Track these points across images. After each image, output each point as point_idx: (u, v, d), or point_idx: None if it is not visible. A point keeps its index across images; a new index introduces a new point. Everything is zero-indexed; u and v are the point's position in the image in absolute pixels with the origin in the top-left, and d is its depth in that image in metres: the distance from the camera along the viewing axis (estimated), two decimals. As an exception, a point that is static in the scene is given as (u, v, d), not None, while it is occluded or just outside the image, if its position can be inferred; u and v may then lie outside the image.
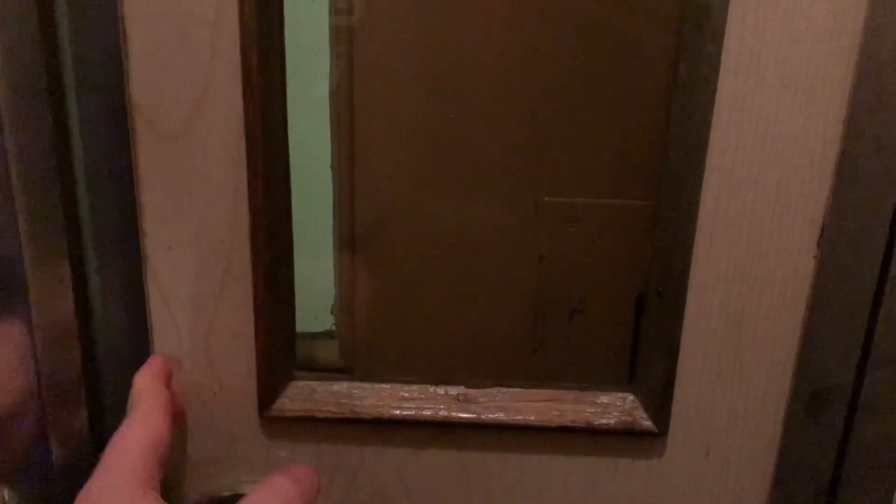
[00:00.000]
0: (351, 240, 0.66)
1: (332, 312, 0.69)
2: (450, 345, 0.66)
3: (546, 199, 0.65)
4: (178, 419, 0.46)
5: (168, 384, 0.45)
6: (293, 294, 0.48)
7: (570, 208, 0.65)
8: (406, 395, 0.48)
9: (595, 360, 0.63)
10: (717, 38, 0.41)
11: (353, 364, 0.71)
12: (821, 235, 0.44)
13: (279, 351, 0.48)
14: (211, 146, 0.44)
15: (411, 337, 0.67)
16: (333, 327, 0.69)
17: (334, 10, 0.58)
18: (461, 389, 0.49)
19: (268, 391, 0.48)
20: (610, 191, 0.62)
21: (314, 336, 0.69)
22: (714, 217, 0.44)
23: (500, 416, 0.48)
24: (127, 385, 0.47)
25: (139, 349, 0.47)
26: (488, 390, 0.49)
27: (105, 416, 0.48)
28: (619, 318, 0.61)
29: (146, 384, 0.43)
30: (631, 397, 0.48)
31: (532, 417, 0.48)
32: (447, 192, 0.64)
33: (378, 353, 0.69)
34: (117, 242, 0.46)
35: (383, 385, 0.49)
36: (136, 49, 0.42)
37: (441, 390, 0.49)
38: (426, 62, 0.60)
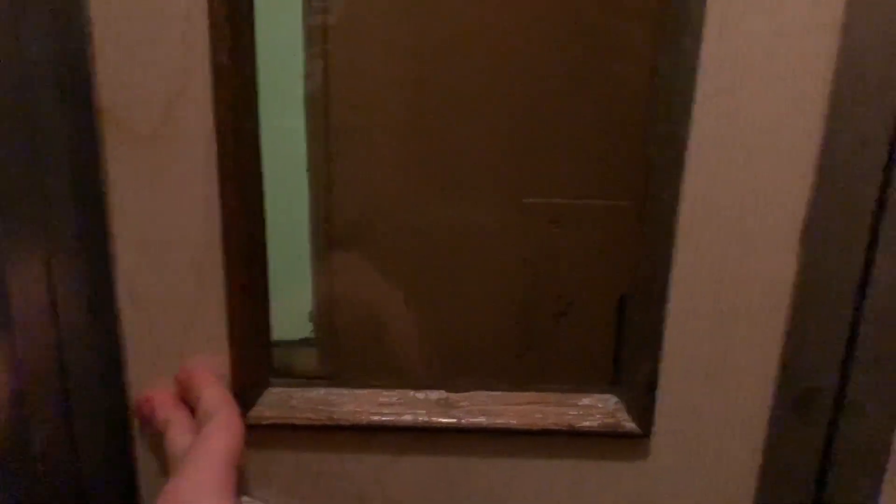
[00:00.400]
0: (328, 245, 0.65)
1: (310, 319, 0.68)
2: (434, 350, 0.65)
3: (528, 200, 0.64)
4: None
5: None
6: (268, 299, 0.47)
7: (553, 209, 0.64)
8: (385, 400, 0.48)
9: (581, 362, 0.62)
10: (696, 33, 0.40)
11: (333, 372, 0.69)
12: (803, 232, 0.43)
13: (255, 357, 0.47)
14: (182, 148, 0.43)
15: (393, 342, 0.66)
16: (312, 335, 0.68)
17: (309, 10, 0.57)
18: (442, 394, 0.48)
19: (244, 398, 0.47)
20: (593, 191, 0.62)
21: (293, 344, 0.68)
22: (695, 214, 0.43)
23: (481, 420, 0.47)
24: (100, 390, 0.46)
25: (111, 355, 0.46)
26: (469, 394, 0.48)
27: (76, 423, 0.47)
28: (605, 319, 0.61)
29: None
30: (614, 399, 0.48)
31: (514, 421, 0.47)
32: (427, 195, 0.63)
33: (358, 360, 0.68)
34: (86, 245, 0.44)
35: (362, 391, 0.48)
36: (103, 51, 0.41)
37: (421, 395, 0.48)
38: (404, 63, 0.59)
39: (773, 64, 0.41)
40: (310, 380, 0.50)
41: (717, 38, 0.40)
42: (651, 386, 0.46)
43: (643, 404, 0.47)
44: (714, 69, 0.41)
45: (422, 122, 0.62)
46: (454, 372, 0.58)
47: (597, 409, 0.47)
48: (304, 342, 0.69)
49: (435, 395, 0.48)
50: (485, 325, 0.66)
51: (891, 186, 0.42)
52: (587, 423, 0.47)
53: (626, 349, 0.48)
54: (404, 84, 0.60)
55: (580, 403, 0.48)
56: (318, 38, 0.57)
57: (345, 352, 0.68)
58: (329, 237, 0.64)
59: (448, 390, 0.48)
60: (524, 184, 0.64)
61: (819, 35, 0.40)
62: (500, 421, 0.47)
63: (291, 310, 0.68)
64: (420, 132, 0.62)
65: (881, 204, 0.43)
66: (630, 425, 0.47)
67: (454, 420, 0.47)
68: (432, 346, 0.64)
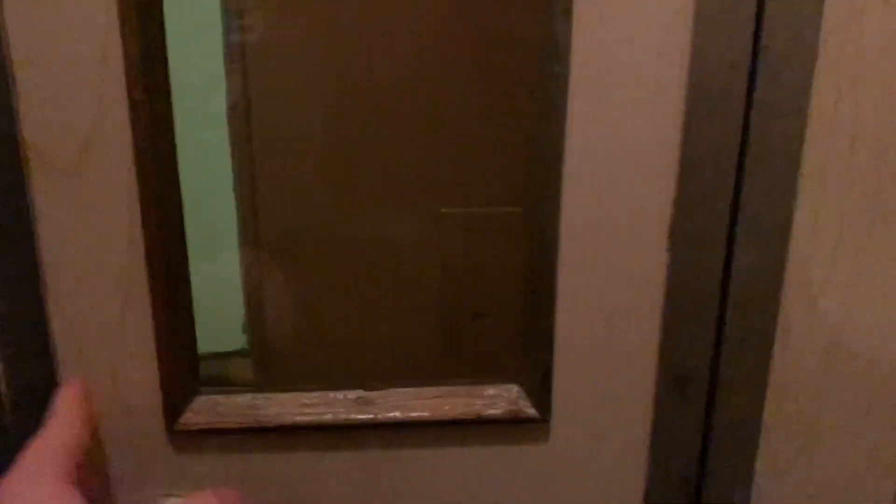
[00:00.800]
0: (257, 258, 0.69)
1: (243, 331, 0.71)
2: (360, 354, 0.69)
3: (444, 210, 0.69)
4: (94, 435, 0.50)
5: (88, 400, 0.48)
6: (192, 314, 0.51)
7: (468, 218, 0.69)
8: (307, 401, 0.52)
9: (499, 359, 0.67)
10: (564, 59, 0.45)
11: (269, 381, 0.73)
12: (670, 232, 0.49)
13: (183, 369, 0.50)
14: (103, 179, 0.46)
15: (323, 350, 0.70)
16: (246, 345, 0.72)
17: (229, 29, 0.61)
18: (359, 392, 0.52)
19: (173, 407, 0.50)
20: (506, 199, 0.67)
21: (227, 355, 0.72)
22: (575, 219, 0.49)
23: (396, 414, 0.52)
24: (35, 412, 0.49)
25: (45, 377, 0.49)
26: (384, 391, 0.52)
27: (12, 441, 0.50)
28: (520, 319, 0.66)
29: (66, 396, 0.47)
30: (516, 388, 0.52)
31: (426, 413, 0.52)
32: (349, 208, 0.67)
33: (292, 368, 0.72)
34: (17, 272, 0.47)
35: (285, 394, 0.52)
36: (26, 91, 0.45)
37: (340, 395, 0.52)
38: (322, 81, 0.63)
39: (633, 85, 0.46)
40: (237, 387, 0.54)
41: (583, 63, 0.46)
42: (547, 375, 0.51)
43: (541, 392, 0.52)
44: (583, 91, 0.46)
45: (341, 137, 0.66)
46: (381, 374, 0.62)
47: (501, 398, 0.52)
48: (239, 353, 0.73)
49: (353, 394, 0.52)
50: (410, 330, 0.70)
51: (743, 189, 0.48)
52: (492, 412, 0.52)
53: (524, 342, 0.53)
54: (323, 100, 0.64)
55: (486, 394, 0.52)
56: (238, 55, 0.61)
57: (278, 361, 0.72)
58: (257, 250, 0.68)
59: (365, 389, 0.52)
60: (440, 194, 0.68)
61: (671, 58, 0.46)
62: (413, 414, 0.52)
63: (225, 322, 0.71)
64: (340, 147, 0.66)
65: (735, 205, 0.48)
66: (531, 411, 0.52)
67: (371, 416, 0.51)
68: (358, 350, 0.69)
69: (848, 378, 0.54)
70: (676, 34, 0.46)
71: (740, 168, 0.48)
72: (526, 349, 0.52)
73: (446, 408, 0.52)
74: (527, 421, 0.52)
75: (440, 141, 0.66)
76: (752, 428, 0.53)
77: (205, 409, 0.51)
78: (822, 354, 0.53)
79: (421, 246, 0.69)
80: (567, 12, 0.44)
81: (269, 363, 0.72)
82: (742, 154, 0.48)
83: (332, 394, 0.52)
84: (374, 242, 0.68)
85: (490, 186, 0.68)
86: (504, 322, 0.68)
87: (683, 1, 0.45)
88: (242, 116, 0.64)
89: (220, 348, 0.71)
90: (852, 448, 0.55)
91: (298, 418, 0.51)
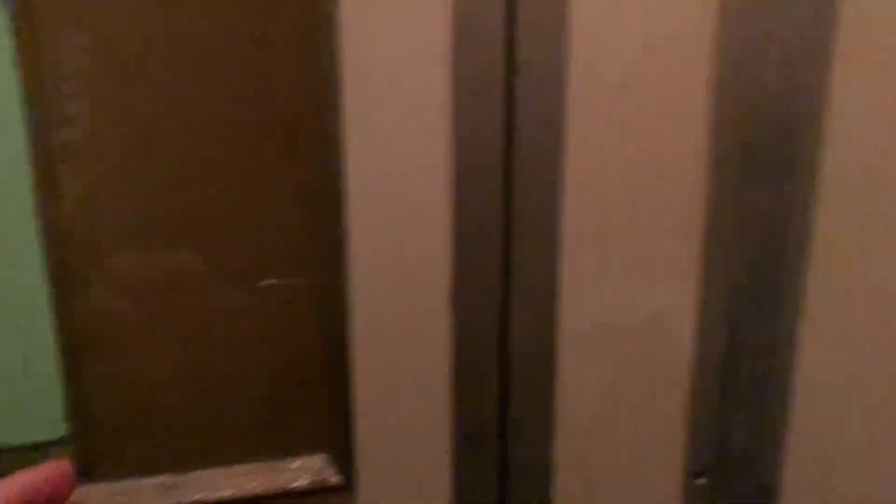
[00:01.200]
0: (74, 345, 0.68)
1: (64, 419, 0.70)
2: (184, 434, 0.69)
3: (262, 282, 0.71)
4: None
5: None
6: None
7: (284, 290, 0.71)
8: (107, 490, 0.52)
9: (312, 430, 0.69)
10: (339, 156, 0.49)
11: (92, 467, 0.72)
12: (451, 298, 0.53)
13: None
14: None
15: (147, 430, 0.70)
16: (67, 433, 0.70)
17: (35, 132, 0.61)
18: (165, 477, 0.53)
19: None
20: (319, 269, 0.69)
21: (49, 445, 0.70)
22: (364, 291, 0.52)
23: (201, 496, 0.53)
24: None
25: None
26: (191, 474, 0.54)
27: None
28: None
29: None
30: (322, 458, 0.55)
31: (231, 492, 0.53)
32: (165, 288, 0.68)
33: (116, 453, 0.71)
34: None
35: (90, 485, 0.52)
36: None
37: (146, 481, 0.53)
38: (134, 163, 0.64)
39: (405, 172, 0.51)
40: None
41: (358, 160, 0.50)
42: (348, 443, 0.54)
43: (345, 460, 0.54)
44: (359, 181, 0.50)
45: (157, 220, 0.67)
46: (209, 452, 0.63)
47: (307, 469, 0.55)
48: (60, 442, 0.71)
49: (157, 480, 0.53)
50: (237, 403, 0.71)
51: (512, 255, 0.53)
52: (298, 484, 0.54)
53: (329, 413, 0.55)
54: (136, 183, 0.65)
55: (292, 467, 0.54)
56: (42, 159, 0.61)
57: (102, 446, 0.71)
58: (73, 335, 0.68)
59: (171, 473, 0.53)
60: (256, 269, 0.71)
61: (434, 144, 0.51)
62: (218, 495, 0.53)
63: (45, 411, 0.70)
64: (156, 230, 0.67)
65: (507, 271, 0.53)
66: (335, 479, 0.54)
67: (175, 501, 0.52)
68: (180, 430, 0.69)
69: (624, 419, 0.59)
70: (437, 119, 0.50)
71: (507, 237, 0.53)
72: (330, 418, 0.55)
73: (252, 485, 0.53)
74: (332, 489, 0.54)
75: (255, 218, 0.69)
76: (544, 471, 0.58)
77: (1, 511, 0.50)
78: (599, 400, 0.58)
79: (240, 319, 0.71)
80: (336, 108, 0.49)
81: (92, 450, 0.71)
82: (508, 225, 0.53)
83: (136, 481, 0.53)
84: (194, 319, 0.69)
85: (305, 259, 0.71)
86: (316, 393, 0.70)
87: (441, 92, 0.50)
88: (52, 197, 0.64)
89: (39, 438, 0.69)
90: (632, 480, 0.61)
91: (100, 511, 0.52)
